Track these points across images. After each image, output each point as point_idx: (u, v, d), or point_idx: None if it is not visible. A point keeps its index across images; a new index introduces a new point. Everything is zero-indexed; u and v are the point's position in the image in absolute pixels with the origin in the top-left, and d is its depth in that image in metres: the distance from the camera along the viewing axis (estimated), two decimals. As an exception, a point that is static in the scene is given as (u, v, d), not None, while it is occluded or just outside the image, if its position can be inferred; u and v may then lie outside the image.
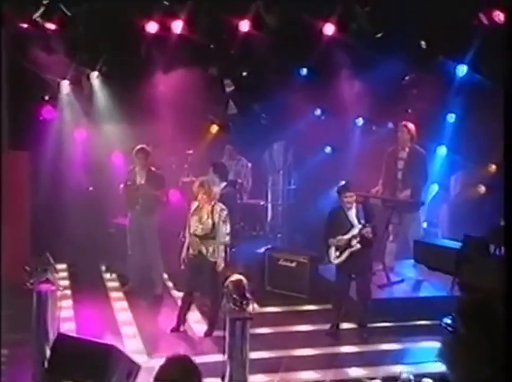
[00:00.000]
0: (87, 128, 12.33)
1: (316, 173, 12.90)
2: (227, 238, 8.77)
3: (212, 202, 8.77)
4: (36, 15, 10.49)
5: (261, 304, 9.99)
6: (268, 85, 12.88)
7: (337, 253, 8.81)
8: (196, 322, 9.27)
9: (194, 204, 8.96)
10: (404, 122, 10.40)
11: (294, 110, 12.94)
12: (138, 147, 10.38)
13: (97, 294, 10.33)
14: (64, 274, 11.14)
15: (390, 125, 12.64)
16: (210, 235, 8.73)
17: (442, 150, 12.15)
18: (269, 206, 12.75)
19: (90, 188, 12.60)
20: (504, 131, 7.47)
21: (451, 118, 12.06)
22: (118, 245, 10.79)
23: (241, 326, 7.12)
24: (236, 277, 7.29)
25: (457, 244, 6.55)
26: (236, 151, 11.85)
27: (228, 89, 13.13)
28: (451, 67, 11.67)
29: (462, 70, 11.64)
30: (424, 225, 11.62)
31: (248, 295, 7.14)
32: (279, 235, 12.64)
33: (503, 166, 7.50)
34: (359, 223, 8.77)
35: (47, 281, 7.93)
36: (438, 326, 8.82)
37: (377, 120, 12.82)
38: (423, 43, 11.16)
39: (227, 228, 8.75)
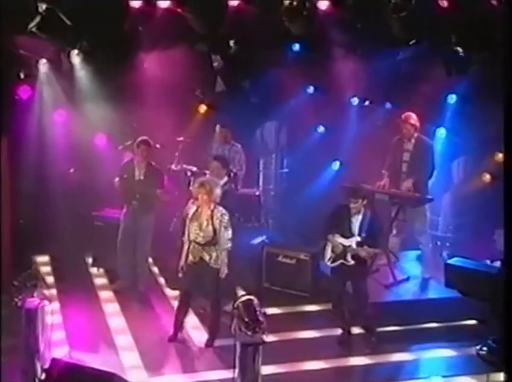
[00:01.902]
0: (68, 109, 11.56)
1: (309, 155, 12.32)
2: (229, 244, 8.20)
3: (212, 206, 8.15)
4: (32, 25, 9.62)
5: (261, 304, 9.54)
6: (258, 61, 12.17)
7: (332, 255, 8.27)
8: (193, 328, 8.72)
9: (192, 208, 8.32)
10: (404, 116, 9.76)
11: (286, 88, 12.30)
12: (140, 138, 9.74)
13: (85, 294, 9.68)
14: (48, 269, 10.55)
15: (388, 105, 12.12)
16: (212, 242, 8.15)
17: (441, 133, 11.62)
18: (260, 189, 12.12)
19: (72, 170, 11.90)
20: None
21: (451, 99, 11.48)
22: (106, 240, 10.13)
23: (253, 351, 6.59)
24: (245, 297, 6.74)
25: (494, 268, 6.03)
26: (231, 136, 11.12)
27: (216, 65, 12.43)
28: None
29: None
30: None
31: (260, 317, 6.59)
32: (271, 221, 12.07)
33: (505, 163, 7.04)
34: (360, 234, 8.16)
35: (37, 297, 7.35)
36: (452, 328, 8.73)
37: (373, 99, 12.20)
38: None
39: (228, 233, 8.17)
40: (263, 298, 9.39)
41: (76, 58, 11.40)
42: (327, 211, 11.57)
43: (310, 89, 12.58)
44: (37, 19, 9.55)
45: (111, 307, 9.37)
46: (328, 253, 8.27)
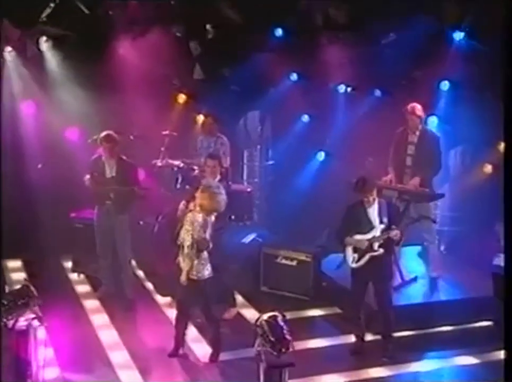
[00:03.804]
0: (38, 100, 10.71)
1: (296, 146, 11.70)
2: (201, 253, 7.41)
3: (199, 212, 7.41)
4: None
5: (259, 309, 8.89)
6: (239, 47, 11.47)
7: (355, 256, 7.72)
8: (194, 342, 7.98)
9: (189, 212, 7.58)
10: (410, 106, 9.17)
11: (269, 75, 11.64)
12: (104, 133, 8.85)
13: (69, 303, 8.89)
14: (22, 275, 9.70)
15: (378, 93, 11.54)
16: (192, 249, 7.38)
17: (432, 121, 11.08)
18: (245, 184, 11.46)
19: (40, 165, 11.05)
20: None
21: (445, 85, 10.92)
22: (87, 243, 9.35)
23: (280, 372, 5.95)
24: (270, 313, 6.09)
25: None
26: (216, 127, 10.40)
27: (194, 52, 11.70)
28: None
29: (459, 35, 10.54)
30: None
31: (287, 336, 5.95)
32: (257, 217, 11.41)
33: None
34: (381, 222, 7.69)
35: (29, 315, 6.58)
36: (468, 331, 8.25)
37: (362, 86, 11.59)
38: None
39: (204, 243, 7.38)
40: (261, 303, 9.01)
41: (44, 45, 10.62)
42: (319, 208, 11.24)
43: (294, 77, 11.92)
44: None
45: (100, 319, 8.59)
46: (350, 255, 7.69)
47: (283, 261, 9.23)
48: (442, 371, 7.57)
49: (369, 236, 7.63)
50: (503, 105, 6.89)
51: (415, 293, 8.83)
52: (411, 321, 8.29)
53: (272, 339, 5.89)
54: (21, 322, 6.49)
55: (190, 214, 7.52)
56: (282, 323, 6.01)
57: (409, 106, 9.19)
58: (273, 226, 11.02)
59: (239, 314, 8.70)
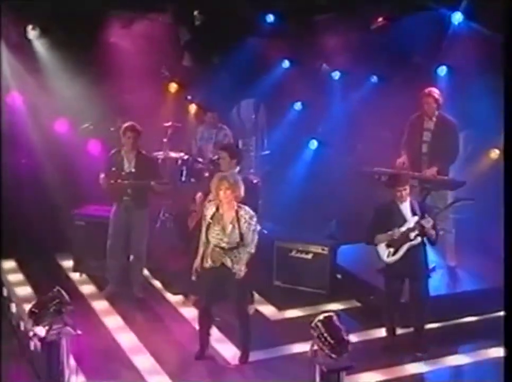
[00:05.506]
0: (24, 93, 10.20)
1: (290, 135, 11.43)
2: (254, 248, 7.18)
3: (236, 206, 7.09)
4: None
5: (275, 305, 8.64)
6: (229, 34, 11.12)
7: (391, 250, 7.46)
8: (218, 342, 7.63)
9: (211, 208, 7.18)
10: (427, 90, 8.90)
11: (261, 62, 11.35)
12: (127, 124, 8.47)
13: (77, 306, 8.25)
14: (19, 277, 9.25)
15: (375, 79, 11.33)
16: (237, 247, 7.09)
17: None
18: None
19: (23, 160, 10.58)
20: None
21: (442, 71, 10.75)
22: (90, 241, 8.96)
23: (338, 376, 5.68)
24: (325, 314, 5.79)
25: None
26: (218, 118, 10.05)
27: (183, 38, 11.33)
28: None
29: (458, 17, 10.35)
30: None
31: (345, 336, 5.67)
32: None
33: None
34: (413, 215, 7.45)
35: (63, 324, 6.17)
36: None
37: (357, 73, 11.35)
38: None
39: (255, 237, 7.17)
40: (276, 299, 8.74)
41: (31, 33, 10.13)
42: (319, 197, 11.00)
43: (286, 64, 11.62)
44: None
45: (113, 321, 8.16)
46: (385, 250, 7.43)
47: (298, 254, 8.95)
48: (482, 364, 7.38)
49: (404, 227, 7.40)
50: (503, 91, 6.69)
51: (438, 284, 8.63)
52: (438, 313, 8.09)
53: (331, 341, 5.60)
54: (54, 331, 6.08)
55: (217, 211, 7.11)
56: (338, 324, 5.72)
57: (426, 90, 8.92)
58: (275, 217, 10.69)
59: (257, 311, 8.40)
